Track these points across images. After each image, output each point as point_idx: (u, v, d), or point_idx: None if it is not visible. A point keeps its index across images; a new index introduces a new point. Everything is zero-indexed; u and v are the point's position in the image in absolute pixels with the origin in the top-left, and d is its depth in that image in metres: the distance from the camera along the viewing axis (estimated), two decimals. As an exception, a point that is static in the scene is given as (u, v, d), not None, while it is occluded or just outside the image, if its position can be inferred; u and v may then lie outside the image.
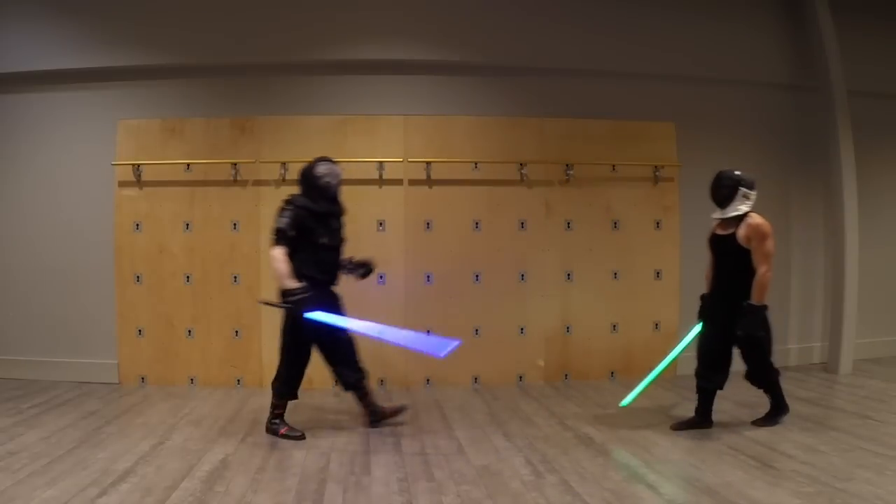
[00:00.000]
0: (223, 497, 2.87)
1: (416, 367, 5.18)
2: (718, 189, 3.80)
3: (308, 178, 3.82)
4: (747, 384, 5.06)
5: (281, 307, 3.70)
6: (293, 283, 3.60)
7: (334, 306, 3.84)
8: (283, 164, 5.07)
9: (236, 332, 5.13)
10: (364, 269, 4.03)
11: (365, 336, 3.78)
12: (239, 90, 5.23)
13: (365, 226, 5.17)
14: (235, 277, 5.14)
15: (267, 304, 3.85)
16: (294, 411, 4.38)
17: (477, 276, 5.27)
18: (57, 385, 4.94)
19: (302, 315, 3.59)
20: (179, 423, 4.03)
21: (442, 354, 3.63)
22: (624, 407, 4.15)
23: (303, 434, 3.76)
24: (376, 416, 3.99)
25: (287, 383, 3.84)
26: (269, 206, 5.10)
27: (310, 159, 3.95)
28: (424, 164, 5.16)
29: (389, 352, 5.15)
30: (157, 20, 5.06)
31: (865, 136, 5.73)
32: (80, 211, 5.17)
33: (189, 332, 5.12)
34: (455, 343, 3.63)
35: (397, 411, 4.06)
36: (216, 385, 5.08)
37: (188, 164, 5.09)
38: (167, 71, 5.17)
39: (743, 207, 3.73)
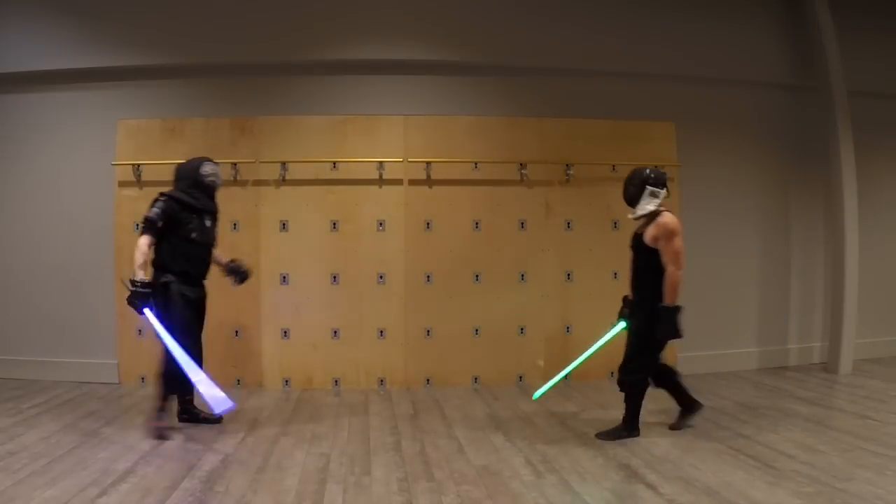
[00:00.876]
0: (223, 497, 2.88)
1: (417, 367, 5.19)
2: (627, 188, 3.77)
3: (193, 174, 3.90)
4: (743, 384, 5.11)
5: (128, 290, 3.68)
6: (142, 275, 3.64)
7: (197, 301, 3.91)
8: (283, 164, 5.07)
9: (236, 332, 5.14)
10: (239, 275, 4.14)
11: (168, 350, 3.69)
12: (239, 90, 5.23)
13: (365, 226, 5.18)
14: (235, 277, 5.13)
15: (124, 283, 3.76)
16: (294, 411, 4.40)
17: (477, 276, 5.27)
18: (57, 385, 4.94)
19: (138, 309, 3.63)
20: (179, 424, 4.02)
21: (217, 411, 3.63)
22: (536, 400, 4.13)
23: (173, 429, 3.78)
24: (190, 417, 4.02)
25: (173, 376, 3.73)
26: (269, 207, 5.13)
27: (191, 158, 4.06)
28: (424, 164, 5.16)
29: (389, 352, 5.17)
30: (157, 20, 5.06)
31: (865, 136, 5.73)
32: (81, 211, 5.17)
33: (189, 332, 5.11)
34: (230, 406, 3.63)
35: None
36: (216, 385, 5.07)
37: (188, 164, 5.08)
38: (167, 71, 5.18)
39: (650, 206, 3.68)
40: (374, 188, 5.18)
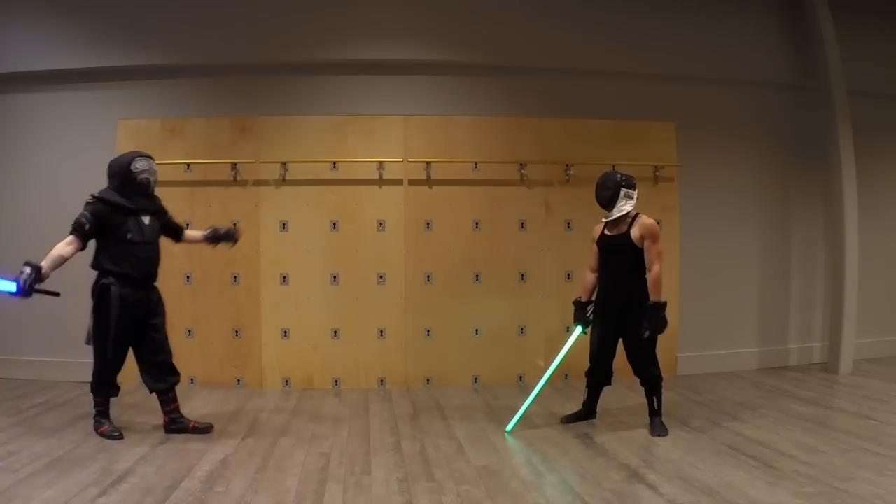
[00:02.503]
0: (223, 497, 2.87)
1: (417, 367, 5.19)
2: (601, 191, 3.90)
3: (124, 172, 3.68)
4: (743, 384, 5.11)
5: (47, 293, 3.66)
6: (44, 265, 3.56)
7: (136, 304, 3.68)
8: (283, 164, 5.07)
9: (236, 332, 5.14)
10: (225, 238, 4.04)
11: None
12: (239, 90, 5.22)
13: (365, 226, 5.18)
14: (235, 277, 5.14)
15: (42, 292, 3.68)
16: (294, 411, 4.40)
17: (477, 276, 5.27)
18: (57, 385, 4.94)
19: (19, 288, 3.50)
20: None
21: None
22: (510, 432, 3.89)
23: (121, 434, 3.67)
24: (176, 426, 3.82)
25: (100, 380, 3.72)
26: (269, 206, 5.13)
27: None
28: (424, 164, 5.16)
29: (389, 352, 5.17)
30: (156, 20, 5.06)
31: (865, 136, 5.74)
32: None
33: (189, 332, 5.12)
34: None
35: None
36: (216, 385, 5.08)
37: (188, 164, 5.09)
38: (167, 71, 5.17)
39: (627, 207, 3.83)
40: (374, 188, 5.18)
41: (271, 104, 5.20)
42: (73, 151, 5.18)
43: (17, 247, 5.22)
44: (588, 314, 4.04)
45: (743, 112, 5.72)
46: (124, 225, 3.66)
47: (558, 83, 5.38)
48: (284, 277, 5.14)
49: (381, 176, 5.16)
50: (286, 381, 5.12)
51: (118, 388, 3.84)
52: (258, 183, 5.15)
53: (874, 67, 5.88)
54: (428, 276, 5.22)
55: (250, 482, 3.06)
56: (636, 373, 3.89)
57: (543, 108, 5.37)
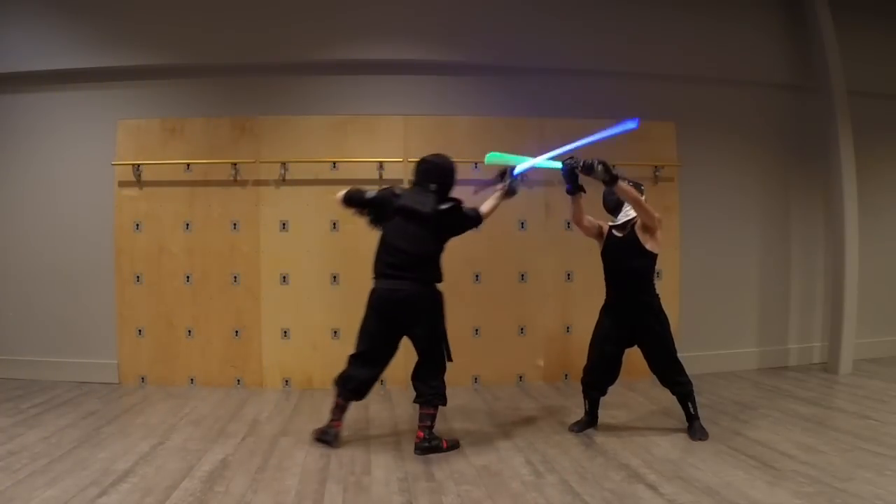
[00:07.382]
0: (223, 497, 2.88)
1: (416, 367, 5.19)
2: (609, 196, 3.83)
3: (451, 175, 3.86)
4: (743, 384, 5.11)
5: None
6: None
7: None
8: (283, 164, 5.07)
9: (236, 332, 5.14)
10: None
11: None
12: (239, 90, 5.22)
13: (365, 226, 5.15)
14: (235, 277, 5.14)
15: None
16: (294, 411, 4.40)
17: (477, 276, 5.27)
18: (57, 385, 4.94)
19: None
20: (179, 423, 4.03)
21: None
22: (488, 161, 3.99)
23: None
24: (430, 445, 3.51)
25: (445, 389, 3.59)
26: (269, 206, 5.13)
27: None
28: (424, 164, 5.15)
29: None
30: (156, 20, 5.06)
31: (865, 136, 5.73)
32: (80, 211, 5.17)
33: (189, 332, 5.12)
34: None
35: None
36: (216, 385, 5.08)
37: (188, 164, 5.09)
38: (167, 71, 5.17)
39: (633, 212, 3.75)
40: (375, 188, 5.15)
41: (271, 104, 5.20)
42: (74, 151, 5.19)
43: (17, 246, 5.25)
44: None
45: (743, 112, 5.71)
46: None
47: (558, 83, 5.38)
48: (284, 277, 5.14)
49: (381, 176, 5.15)
50: (286, 381, 5.12)
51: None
52: (258, 183, 5.15)
53: (874, 67, 5.88)
54: (428, 276, 5.21)
55: (250, 482, 3.06)
56: (664, 384, 3.79)
57: (543, 108, 5.37)
